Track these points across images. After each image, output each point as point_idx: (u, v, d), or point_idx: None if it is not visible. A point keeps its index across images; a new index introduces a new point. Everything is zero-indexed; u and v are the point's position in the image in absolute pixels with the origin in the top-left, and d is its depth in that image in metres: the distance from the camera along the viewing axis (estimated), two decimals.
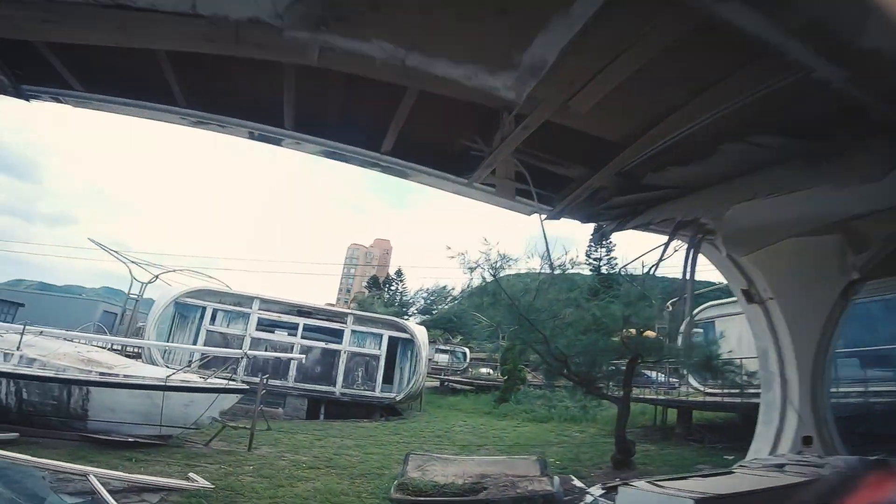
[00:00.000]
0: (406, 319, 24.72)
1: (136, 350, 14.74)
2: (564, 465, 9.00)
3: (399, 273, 60.26)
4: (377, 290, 52.09)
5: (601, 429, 13.54)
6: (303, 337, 15.26)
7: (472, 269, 8.94)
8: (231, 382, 9.12)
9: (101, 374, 8.47)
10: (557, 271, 8.94)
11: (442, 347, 36.65)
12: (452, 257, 8.89)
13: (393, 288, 54.93)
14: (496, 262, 8.80)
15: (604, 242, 43.10)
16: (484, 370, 34.73)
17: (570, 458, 9.62)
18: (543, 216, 4.27)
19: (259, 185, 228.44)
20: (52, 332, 10.13)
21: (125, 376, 8.47)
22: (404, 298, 41.66)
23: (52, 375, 8.08)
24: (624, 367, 8.84)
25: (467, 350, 37.51)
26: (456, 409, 17.94)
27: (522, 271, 9.75)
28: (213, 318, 14.82)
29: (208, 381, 9.00)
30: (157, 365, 12.46)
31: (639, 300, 8.58)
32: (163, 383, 8.26)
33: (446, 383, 25.45)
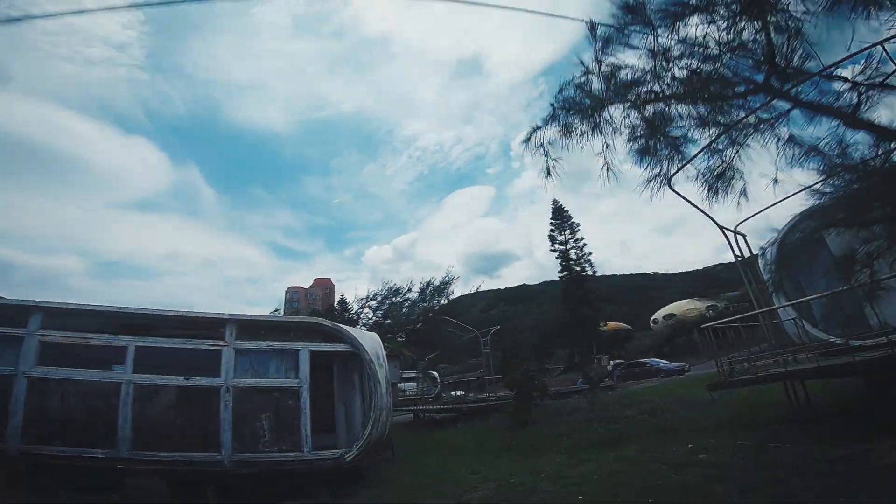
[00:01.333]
0: None
1: None
2: None
3: (343, 302, 51.61)
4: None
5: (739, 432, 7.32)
6: (137, 371, 7.77)
7: None
8: None
9: None
10: None
11: (408, 374, 30.30)
12: None
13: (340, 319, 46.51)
14: None
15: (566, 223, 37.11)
16: (456, 393, 28.77)
17: None
18: None
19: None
20: None
21: None
22: (349, 317, 33.41)
23: None
24: None
25: (436, 374, 32.00)
26: (451, 451, 10.98)
27: None
28: None
29: None
30: None
31: None
32: None
33: (423, 415, 18.41)
